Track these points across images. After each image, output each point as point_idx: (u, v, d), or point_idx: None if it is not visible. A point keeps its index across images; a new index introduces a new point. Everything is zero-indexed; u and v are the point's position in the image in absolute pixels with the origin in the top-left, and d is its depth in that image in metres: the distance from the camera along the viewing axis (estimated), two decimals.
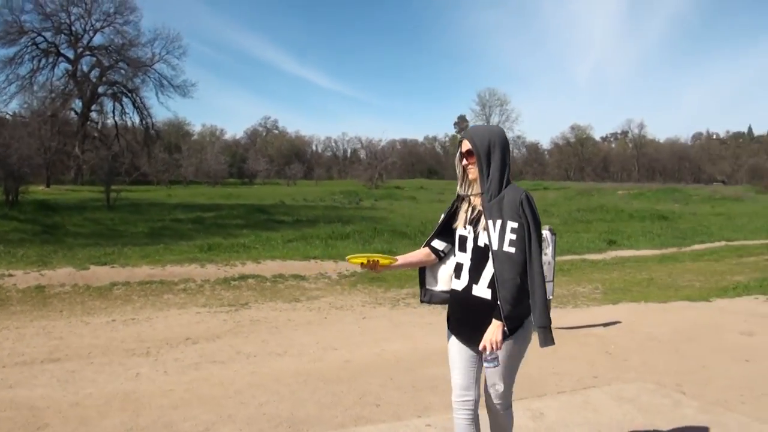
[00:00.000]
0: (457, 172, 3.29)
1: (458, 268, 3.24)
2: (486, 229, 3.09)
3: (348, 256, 3.25)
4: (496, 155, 3.17)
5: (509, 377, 3.20)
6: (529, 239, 3.05)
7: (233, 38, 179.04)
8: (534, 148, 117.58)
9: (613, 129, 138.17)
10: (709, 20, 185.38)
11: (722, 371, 6.45)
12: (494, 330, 3.03)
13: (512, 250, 3.03)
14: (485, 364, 3.08)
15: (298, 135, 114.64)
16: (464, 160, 3.22)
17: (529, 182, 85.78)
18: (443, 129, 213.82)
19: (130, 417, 4.55)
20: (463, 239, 3.23)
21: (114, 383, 5.38)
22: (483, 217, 3.13)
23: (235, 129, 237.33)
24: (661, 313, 8.92)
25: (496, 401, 3.27)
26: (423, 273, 3.44)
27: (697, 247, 18.56)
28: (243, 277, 10.84)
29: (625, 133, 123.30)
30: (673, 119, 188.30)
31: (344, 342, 6.95)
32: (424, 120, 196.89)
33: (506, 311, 3.01)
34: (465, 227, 3.22)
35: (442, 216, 3.34)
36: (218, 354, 6.32)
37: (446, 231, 3.32)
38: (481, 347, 3.07)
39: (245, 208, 24.96)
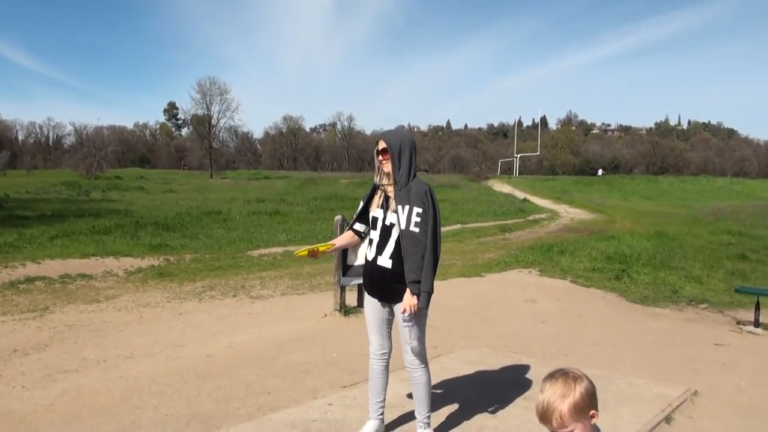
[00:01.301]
0: (375, 166, 4.05)
1: (370, 243, 4.06)
2: (395, 212, 3.90)
3: (295, 252, 4.02)
4: (405, 154, 3.96)
5: (421, 335, 4.02)
6: (433, 222, 3.92)
7: None
8: (246, 138, 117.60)
9: (323, 120, 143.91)
10: (412, 21, 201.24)
11: (531, 333, 7.59)
12: (408, 296, 3.82)
13: (417, 230, 3.85)
14: (405, 324, 3.87)
15: None
16: (380, 156, 3.98)
17: (248, 171, 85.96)
18: (153, 116, 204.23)
19: (47, 430, 4.21)
20: (375, 220, 4.04)
21: None
22: (393, 202, 3.94)
23: None
24: (451, 289, 9.98)
25: (412, 358, 4.06)
26: (345, 252, 4.29)
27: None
28: (30, 280, 9.85)
29: (334, 125, 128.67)
30: (378, 112, 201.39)
31: (184, 339, 6.92)
32: (133, 106, 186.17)
33: (410, 278, 3.82)
34: (377, 210, 4.03)
35: (362, 203, 4.11)
36: (64, 363, 5.91)
37: (365, 215, 4.09)
38: (401, 310, 3.87)
39: None
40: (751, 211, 27.67)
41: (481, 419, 4.66)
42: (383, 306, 4.10)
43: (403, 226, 3.86)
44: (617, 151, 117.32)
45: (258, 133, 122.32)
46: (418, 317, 3.92)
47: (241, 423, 4.46)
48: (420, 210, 3.88)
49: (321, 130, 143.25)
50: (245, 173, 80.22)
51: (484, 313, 8.43)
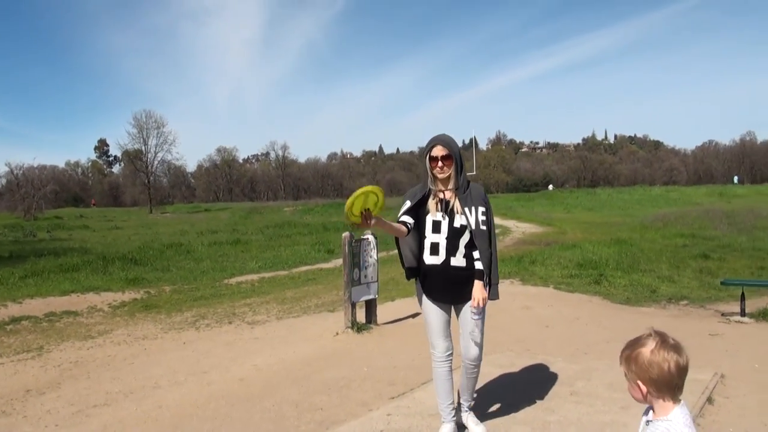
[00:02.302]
0: (428, 170, 4.13)
1: (434, 247, 4.10)
2: (463, 214, 4.04)
3: (347, 212, 3.68)
4: (460, 160, 4.14)
5: (484, 329, 4.22)
6: (491, 220, 4.17)
7: None
8: (180, 172, 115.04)
9: (256, 150, 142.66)
10: (339, 50, 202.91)
11: (542, 336, 7.75)
12: (480, 289, 4.03)
13: (484, 228, 4.07)
14: (475, 317, 4.05)
15: None
16: (440, 162, 4.06)
17: (185, 205, 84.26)
18: (84, 154, 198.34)
19: None
20: (437, 223, 4.09)
21: None
22: (457, 205, 4.07)
23: None
24: None
25: (476, 353, 4.24)
26: (399, 256, 4.31)
27: None
28: (15, 320, 9.42)
29: (267, 155, 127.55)
30: (311, 141, 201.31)
31: (204, 366, 6.77)
32: (62, 144, 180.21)
33: (486, 274, 4.06)
34: (437, 214, 4.09)
35: (408, 202, 4.13)
36: (89, 398, 5.70)
37: (411, 212, 4.10)
38: (473, 304, 4.02)
39: None
40: (696, 215, 28.78)
41: (541, 414, 4.74)
42: (446, 308, 4.19)
43: (473, 227, 4.04)
44: (548, 168, 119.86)
45: (191, 167, 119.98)
46: (485, 310, 4.13)
47: None
48: (484, 209, 4.12)
49: (254, 161, 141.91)
50: (183, 207, 78.64)
51: (489, 322, 8.50)
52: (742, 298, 8.83)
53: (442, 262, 4.07)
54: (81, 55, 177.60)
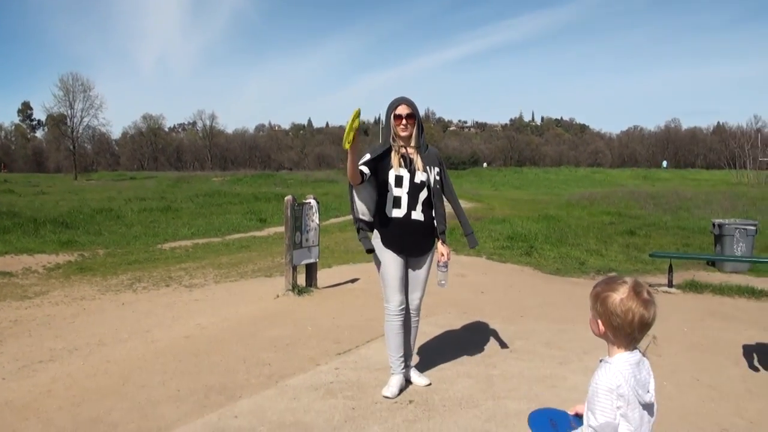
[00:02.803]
0: (391, 128, 4.32)
1: (396, 201, 4.31)
2: (424, 171, 4.32)
3: (345, 140, 3.78)
4: (421, 122, 4.40)
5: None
6: (447, 180, 4.52)
7: None
8: (104, 139, 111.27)
9: (183, 120, 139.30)
10: (270, 20, 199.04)
11: (478, 301, 8.08)
12: (442, 245, 4.44)
13: (439, 186, 4.40)
14: (441, 269, 4.40)
15: None
16: (404, 120, 4.28)
17: (110, 173, 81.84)
18: (7, 117, 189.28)
19: (59, 414, 4.07)
20: (399, 178, 4.30)
21: None
22: (418, 162, 4.32)
23: None
24: None
25: (417, 304, 4.57)
26: (351, 206, 4.44)
27: (333, 220, 20.67)
28: None
29: (194, 124, 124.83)
30: (240, 111, 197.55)
31: (145, 325, 6.76)
32: None
33: (441, 229, 4.42)
34: (400, 170, 4.29)
35: (368, 155, 4.28)
36: (33, 354, 5.63)
37: (369, 164, 4.22)
38: (440, 258, 4.40)
39: None
40: (621, 196, 29.89)
41: (484, 369, 4.99)
42: (403, 262, 4.38)
43: (432, 184, 4.34)
44: (476, 147, 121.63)
45: (116, 134, 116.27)
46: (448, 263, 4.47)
47: (262, 390, 4.50)
48: (438, 170, 4.43)
49: (181, 130, 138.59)
50: (109, 174, 76.37)
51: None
52: (670, 269, 9.31)
53: (404, 215, 4.29)
54: (4, 13, 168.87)
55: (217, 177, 57.66)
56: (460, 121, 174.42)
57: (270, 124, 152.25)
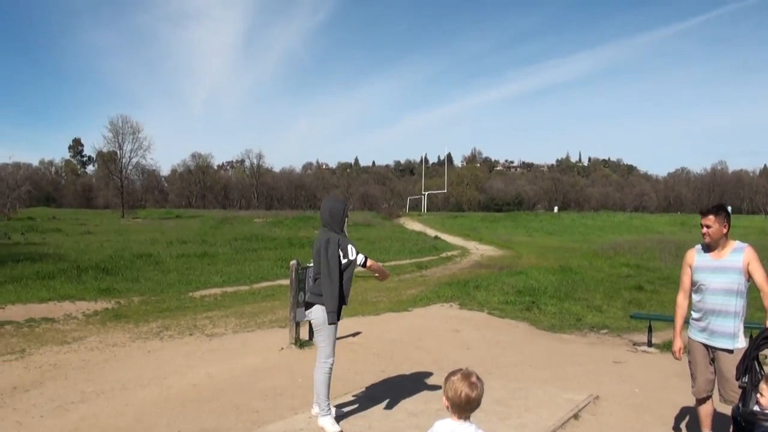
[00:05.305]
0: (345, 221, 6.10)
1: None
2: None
3: None
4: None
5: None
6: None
7: None
8: (153, 176, 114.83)
9: (231, 157, 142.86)
10: (319, 59, 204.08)
11: (459, 357, 8.95)
12: None
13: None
14: None
15: None
16: None
17: (158, 210, 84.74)
18: (58, 153, 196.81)
19: None
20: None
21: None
22: None
23: None
24: (385, 323, 11.20)
25: None
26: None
27: None
28: None
29: (242, 162, 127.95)
30: (286, 150, 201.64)
31: (164, 372, 7.88)
32: (35, 143, 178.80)
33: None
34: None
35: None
36: (67, 396, 6.80)
37: None
38: None
39: None
40: (648, 246, 30.29)
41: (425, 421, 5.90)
42: None
43: None
44: (520, 188, 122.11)
45: (165, 171, 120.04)
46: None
47: None
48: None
49: (229, 167, 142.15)
50: (155, 212, 79.23)
51: (417, 343, 9.71)
52: (649, 330, 10.09)
53: None
54: (58, 52, 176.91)
55: (259, 218, 59.41)
56: (506, 160, 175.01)
57: (317, 162, 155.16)
